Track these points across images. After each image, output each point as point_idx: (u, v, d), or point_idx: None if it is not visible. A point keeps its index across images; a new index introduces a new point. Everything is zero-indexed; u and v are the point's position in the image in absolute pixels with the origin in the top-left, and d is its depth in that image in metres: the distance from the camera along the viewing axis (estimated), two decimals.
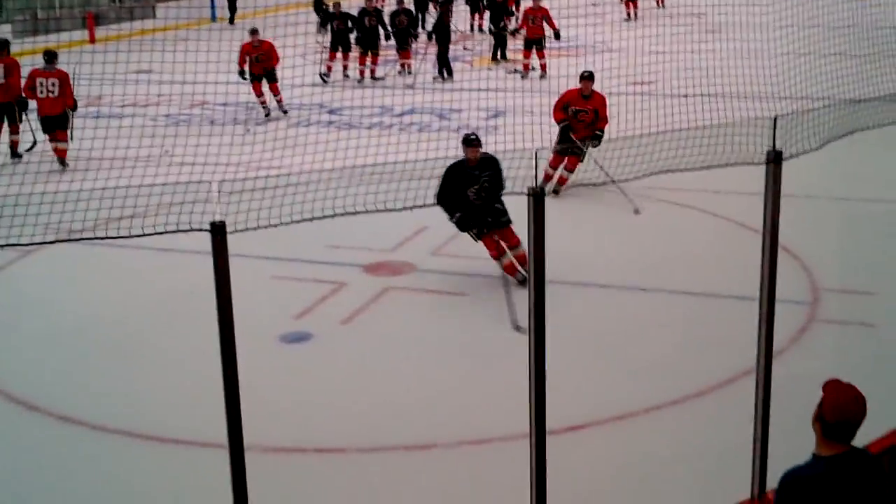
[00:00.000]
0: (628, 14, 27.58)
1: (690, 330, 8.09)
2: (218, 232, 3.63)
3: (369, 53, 19.92)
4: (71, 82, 13.49)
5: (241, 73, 16.59)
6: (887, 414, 5.65)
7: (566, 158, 11.37)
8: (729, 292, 8.25)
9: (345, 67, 20.06)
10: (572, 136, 11.23)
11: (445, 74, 19.88)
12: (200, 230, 3.65)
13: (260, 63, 16.63)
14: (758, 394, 4.78)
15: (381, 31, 20.03)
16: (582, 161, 11.18)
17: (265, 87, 16.70)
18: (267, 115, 16.60)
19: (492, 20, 21.80)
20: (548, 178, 11.25)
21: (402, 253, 10.09)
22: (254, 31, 16.71)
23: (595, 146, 10.80)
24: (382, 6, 19.93)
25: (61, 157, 13.48)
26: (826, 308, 8.40)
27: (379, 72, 20.13)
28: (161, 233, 3.75)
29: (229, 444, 3.86)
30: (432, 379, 7.45)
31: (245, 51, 16.63)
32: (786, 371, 6.56)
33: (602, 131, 11.27)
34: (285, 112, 16.72)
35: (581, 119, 11.45)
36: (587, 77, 11.56)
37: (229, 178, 4.11)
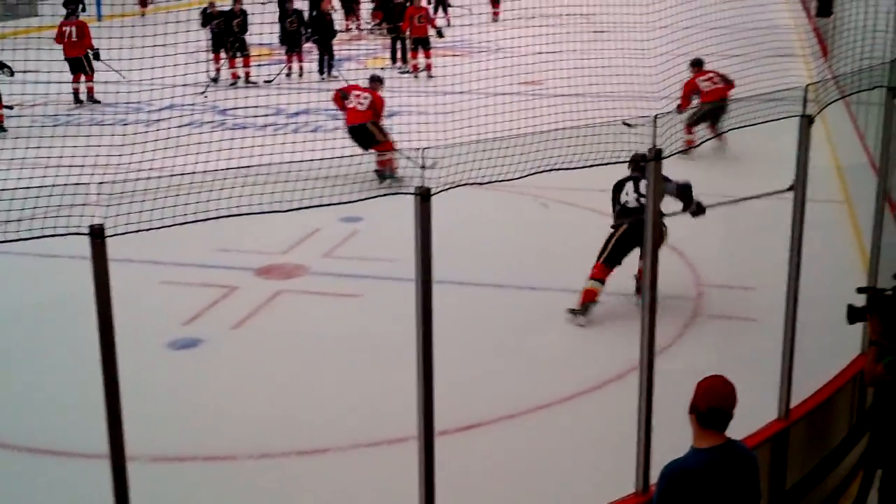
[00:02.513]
0: (494, 16, 27.87)
1: (580, 327, 8.19)
2: (97, 235, 3.54)
3: (239, 55, 19.41)
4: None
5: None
6: (767, 406, 5.83)
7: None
8: (617, 289, 8.39)
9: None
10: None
11: (326, 74, 19.66)
12: (78, 234, 3.55)
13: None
14: (641, 388, 4.87)
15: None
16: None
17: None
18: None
19: (386, 20, 21.82)
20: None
21: (295, 255, 10.00)
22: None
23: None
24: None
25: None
26: (710, 303, 8.62)
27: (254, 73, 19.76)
28: (37, 237, 3.62)
29: (111, 454, 3.76)
30: (325, 382, 7.40)
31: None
32: (672, 365, 6.73)
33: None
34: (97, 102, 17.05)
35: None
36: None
37: (108, 181, 4.00)
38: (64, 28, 17.50)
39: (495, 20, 27.05)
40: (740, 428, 4.27)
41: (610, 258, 8.33)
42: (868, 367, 5.15)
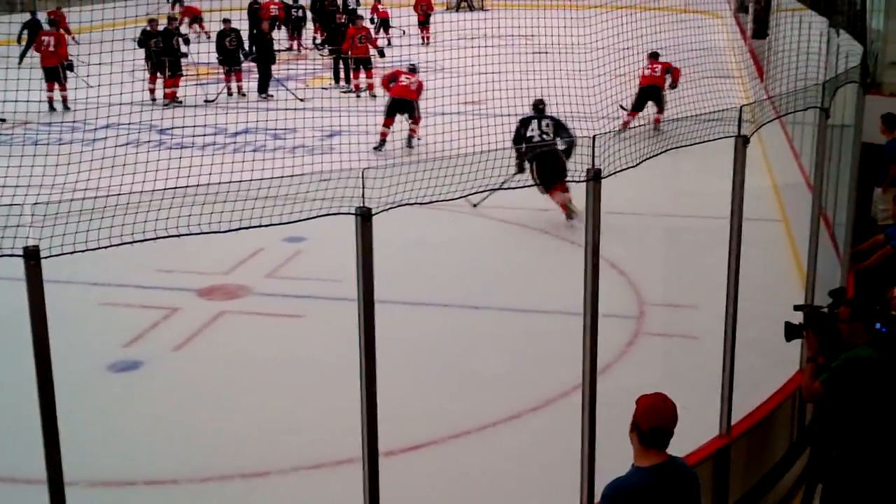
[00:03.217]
0: (423, 39, 28.00)
1: (523, 346, 8.23)
2: (31, 257, 3.48)
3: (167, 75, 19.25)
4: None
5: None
6: (708, 423, 5.89)
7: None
8: (559, 308, 8.42)
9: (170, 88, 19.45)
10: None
11: (264, 93, 19.59)
12: (12, 255, 3.48)
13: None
14: (584, 406, 4.89)
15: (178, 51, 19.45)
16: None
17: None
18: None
19: (328, 41, 21.83)
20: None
21: (238, 275, 9.92)
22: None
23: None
24: (157, 29, 19.16)
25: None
26: (651, 322, 8.70)
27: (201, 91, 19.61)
28: None
29: (48, 479, 3.69)
30: (268, 404, 7.33)
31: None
32: (615, 384, 6.77)
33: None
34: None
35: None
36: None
37: (43, 201, 3.94)
38: (43, 38, 18.86)
39: (426, 44, 27.15)
40: (682, 445, 4.31)
41: (544, 185, 10.59)
42: (805, 383, 5.22)
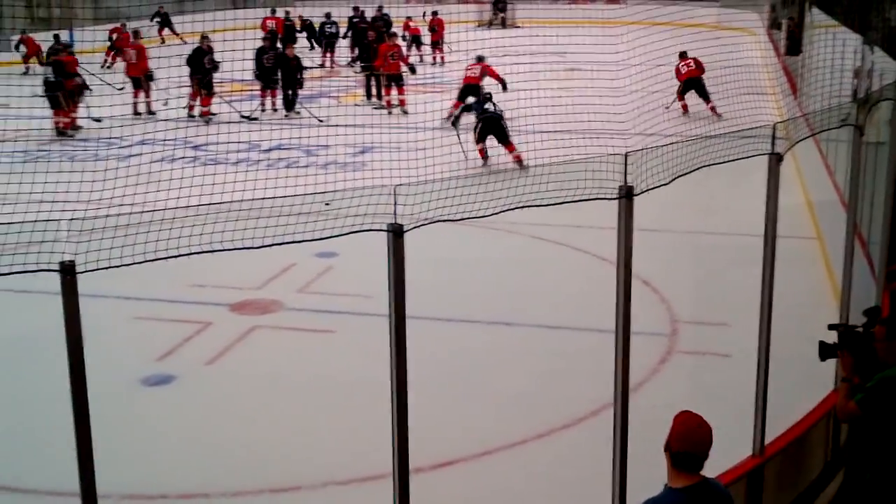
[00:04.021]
0: (434, 59, 27.93)
1: (554, 363, 8.21)
2: (67, 272, 3.52)
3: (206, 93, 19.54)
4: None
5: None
6: (741, 442, 5.83)
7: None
8: (590, 325, 8.39)
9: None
10: None
11: (286, 110, 19.71)
12: (49, 270, 3.53)
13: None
14: (616, 425, 4.86)
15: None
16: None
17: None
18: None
19: (360, 59, 21.95)
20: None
21: (270, 291, 9.97)
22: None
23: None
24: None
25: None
26: (683, 339, 8.64)
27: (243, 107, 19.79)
28: (6, 273, 3.59)
29: (81, 492, 3.72)
30: (299, 418, 7.36)
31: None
32: (646, 402, 6.73)
33: None
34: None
35: None
36: None
37: (79, 217, 3.98)
38: (127, 50, 20.60)
39: (441, 64, 27.10)
40: (715, 465, 4.26)
41: (479, 140, 14.59)
42: (840, 403, 5.16)
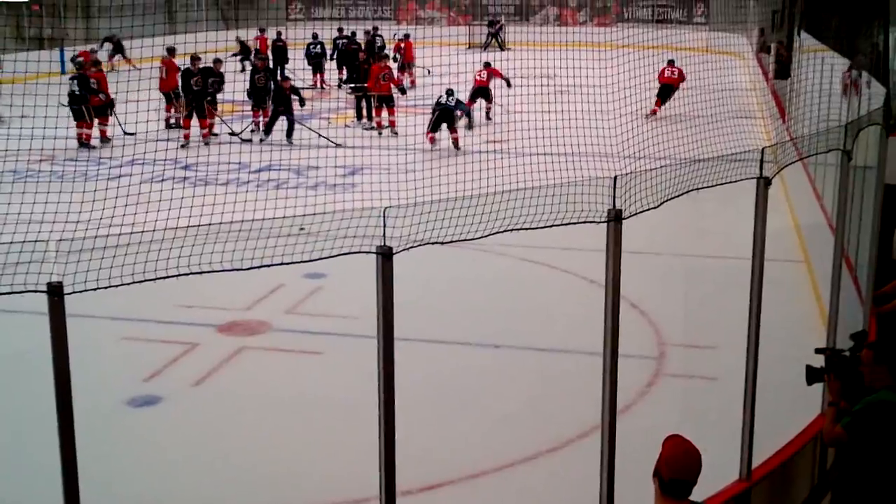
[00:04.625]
0: (400, 82, 27.40)
1: (542, 385, 8.20)
2: (54, 293, 3.51)
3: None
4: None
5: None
6: (729, 466, 5.83)
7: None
8: (579, 347, 8.40)
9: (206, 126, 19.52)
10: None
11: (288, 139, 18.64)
12: (36, 291, 3.52)
13: None
14: (603, 448, 4.86)
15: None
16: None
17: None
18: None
19: (350, 80, 21.99)
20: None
21: (258, 311, 9.95)
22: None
23: None
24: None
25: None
26: (672, 362, 8.65)
27: (236, 128, 19.77)
28: None
29: None
30: (286, 440, 7.33)
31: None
32: (634, 425, 6.72)
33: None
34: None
35: None
36: None
37: (69, 237, 3.98)
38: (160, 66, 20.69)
39: (412, 87, 25.96)
40: (702, 488, 4.26)
41: (432, 128, 17.81)
42: (827, 427, 5.17)
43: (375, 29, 30.34)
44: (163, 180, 15.05)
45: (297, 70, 25.17)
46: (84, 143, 18.56)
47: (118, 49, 28.49)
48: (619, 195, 4.60)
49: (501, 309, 9.97)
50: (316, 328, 9.48)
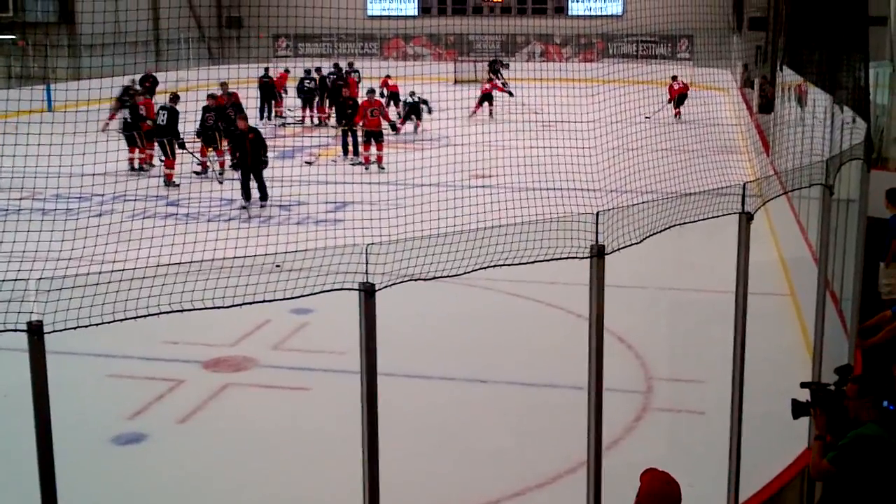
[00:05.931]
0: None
1: (528, 421, 8.17)
2: (35, 332, 3.49)
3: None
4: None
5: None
6: (715, 501, 5.81)
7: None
8: (566, 382, 8.39)
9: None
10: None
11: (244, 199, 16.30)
12: (16, 331, 3.50)
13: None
14: (589, 483, 4.84)
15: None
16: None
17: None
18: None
19: (338, 116, 22.01)
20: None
21: (243, 348, 9.90)
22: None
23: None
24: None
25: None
26: (659, 397, 8.63)
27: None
28: None
29: None
30: (273, 476, 7.27)
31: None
32: (621, 459, 6.71)
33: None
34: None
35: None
36: None
37: (48, 276, 3.95)
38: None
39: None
40: None
41: (404, 120, 23.63)
42: (813, 461, 5.16)
43: (350, 64, 30.62)
44: (144, 217, 15.02)
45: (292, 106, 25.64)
46: (140, 167, 19.48)
47: (153, 86, 28.47)
48: (601, 230, 4.62)
49: (488, 344, 9.95)
50: (302, 364, 9.44)
